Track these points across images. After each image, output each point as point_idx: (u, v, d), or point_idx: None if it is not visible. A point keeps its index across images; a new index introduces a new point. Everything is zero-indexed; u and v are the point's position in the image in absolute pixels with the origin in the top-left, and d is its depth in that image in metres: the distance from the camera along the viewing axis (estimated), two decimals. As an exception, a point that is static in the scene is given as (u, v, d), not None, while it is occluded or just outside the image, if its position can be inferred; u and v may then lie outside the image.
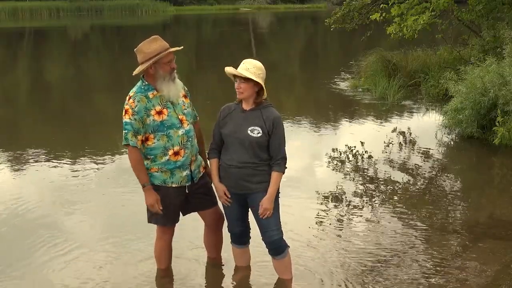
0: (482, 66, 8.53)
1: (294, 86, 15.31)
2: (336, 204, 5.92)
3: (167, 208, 4.03)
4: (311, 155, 7.87)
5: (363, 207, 5.79)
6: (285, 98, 12.83)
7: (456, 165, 7.69)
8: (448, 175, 7.11)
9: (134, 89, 3.96)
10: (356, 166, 7.27)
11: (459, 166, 7.65)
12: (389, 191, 6.34)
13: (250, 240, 4.31)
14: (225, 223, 4.27)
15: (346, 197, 6.11)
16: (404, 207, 5.81)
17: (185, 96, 4.14)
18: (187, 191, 4.11)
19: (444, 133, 8.55)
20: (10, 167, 7.40)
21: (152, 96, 3.93)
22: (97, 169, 7.18)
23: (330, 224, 5.39)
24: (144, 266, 4.54)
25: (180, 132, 3.98)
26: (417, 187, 6.49)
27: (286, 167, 3.97)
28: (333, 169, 7.17)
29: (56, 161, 7.55)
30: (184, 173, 4.04)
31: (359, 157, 7.65)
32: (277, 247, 4.05)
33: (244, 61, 3.93)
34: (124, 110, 3.90)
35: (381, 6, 12.03)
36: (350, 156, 7.73)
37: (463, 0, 12.61)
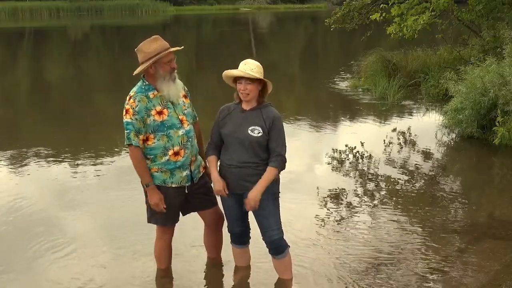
0: (482, 66, 8.53)
1: (294, 86, 15.30)
2: (336, 204, 5.92)
3: (167, 208, 4.03)
4: (311, 155, 7.87)
5: (363, 207, 5.79)
6: (285, 98, 12.83)
7: (456, 165, 7.69)
8: (448, 175, 7.11)
9: (135, 89, 3.96)
10: (356, 166, 7.27)
11: (459, 166, 7.66)
12: (389, 191, 6.34)
13: (250, 240, 4.31)
14: (225, 223, 4.27)
15: (346, 197, 6.11)
16: (404, 207, 5.81)
17: (185, 96, 4.14)
18: (186, 191, 4.11)
19: (444, 133, 8.55)
20: (10, 167, 7.40)
21: (152, 96, 3.93)
22: (97, 169, 7.18)
23: (330, 223, 5.39)
24: (144, 266, 4.53)
25: (180, 132, 3.98)
26: (417, 187, 6.49)
27: (284, 167, 3.93)
28: (333, 169, 7.17)
29: (56, 161, 7.56)
30: (184, 173, 4.04)
31: (359, 157, 7.65)
32: (277, 246, 4.05)
33: (244, 62, 3.90)
34: (124, 110, 3.90)
35: (381, 6, 12.04)
36: (350, 156, 7.73)
37: (463, 0, 12.61)
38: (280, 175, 4.08)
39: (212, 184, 4.11)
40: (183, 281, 4.35)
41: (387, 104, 11.02)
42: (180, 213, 4.23)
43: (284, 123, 4.07)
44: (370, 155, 7.71)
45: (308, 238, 5.01)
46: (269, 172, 3.86)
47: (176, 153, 3.96)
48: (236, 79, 3.90)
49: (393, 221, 5.42)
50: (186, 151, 4.00)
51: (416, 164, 7.28)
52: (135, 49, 3.95)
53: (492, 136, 7.57)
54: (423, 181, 6.70)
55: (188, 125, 4.05)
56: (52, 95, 14.44)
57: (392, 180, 6.66)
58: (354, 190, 6.30)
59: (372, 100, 11.51)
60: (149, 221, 4.17)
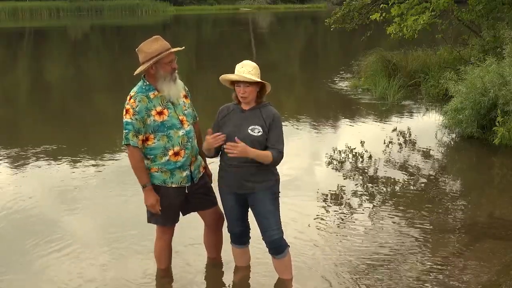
0: (482, 66, 8.52)
1: (294, 86, 15.31)
2: (336, 203, 5.92)
3: (166, 208, 4.03)
4: (311, 155, 7.87)
5: (363, 207, 5.79)
6: (285, 98, 12.83)
7: (456, 165, 7.69)
8: (448, 175, 7.11)
9: (135, 89, 3.96)
10: (356, 166, 7.27)
11: (459, 166, 7.66)
12: (389, 191, 6.34)
13: (250, 240, 4.31)
14: (225, 223, 4.27)
15: (346, 197, 6.11)
16: (404, 207, 5.81)
17: (185, 97, 4.14)
18: (186, 191, 4.11)
19: (444, 133, 8.55)
20: (10, 167, 7.40)
21: (153, 96, 3.92)
22: (97, 169, 7.18)
23: (330, 223, 5.39)
24: (144, 266, 4.53)
25: (181, 132, 3.98)
26: (417, 187, 6.49)
27: (278, 162, 3.88)
28: (333, 169, 7.17)
29: (56, 161, 7.56)
30: (184, 174, 4.04)
31: (359, 157, 7.65)
32: (277, 246, 4.05)
33: (241, 64, 3.89)
34: (124, 110, 3.90)
35: (381, 6, 12.04)
36: (350, 156, 7.73)
37: (463, 0, 12.61)
38: (280, 175, 4.09)
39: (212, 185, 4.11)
40: (183, 281, 4.35)
41: (387, 104, 11.02)
42: (180, 213, 4.23)
43: (284, 123, 4.08)
44: (370, 155, 7.71)
45: (308, 238, 5.01)
46: (265, 152, 3.80)
47: (176, 154, 3.96)
48: (234, 81, 3.90)
49: (393, 221, 5.42)
50: (186, 151, 4.00)
51: (416, 164, 7.28)
52: (136, 49, 3.95)
53: (492, 136, 7.57)
54: (423, 181, 6.70)
55: (188, 125, 4.05)
56: (52, 95, 14.45)
57: (392, 180, 6.66)
58: (354, 190, 6.30)
59: (372, 100, 11.51)
60: (149, 221, 4.17)
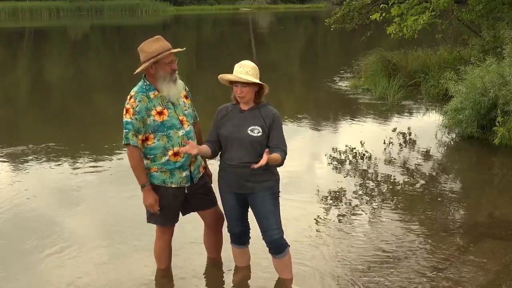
0: (482, 66, 8.52)
1: (294, 86, 15.31)
2: (337, 203, 5.92)
3: (166, 208, 4.03)
4: (311, 155, 7.87)
5: (363, 207, 5.79)
6: (285, 98, 12.84)
7: (456, 165, 7.69)
8: (448, 175, 7.10)
9: (136, 88, 3.96)
10: (356, 166, 7.27)
11: (459, 166, 7.66)
12: (389, 191, 6.34)
13: (250, 240, 4.31)
14: (225, 223, 4.27)
15: (346, 197, 6.11)
16: (404, 207, 5.81)
17: (186, 97, 4.14)
18: (186, 192, 4.10)
19: (444, 133, 8.55)
20: (10, 167, 7.40)
21: (153, 96, 3.92)
22: (97, 169, 7.18)
23: (330, 223, 5.39)
24: (144, 266, 4.53)
25: (180, 133, 3.98)
26: (417, 187, 6.49)
27: (283, 163, 3.90)
28: (333, 169, 7.17)
29: (56, 161, 7.56)
30: (184, 174, 4.04)
31: (359, 157, 7.65)
32: (277, 246, 4.05)
33: (239, 64, 3.89)
34: (125, 109, 3.90)
35: (381, 6, 12.04)
36: (350, 156, 7.73)
37: (463, 0, 12.61)
38: (280, 175, 4.09)
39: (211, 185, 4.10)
40: (183, 281, 4.35)
41: (387, 104, 11.03)
42: (180, 213, 4.23)
43: (284, 123, 4.07)
44: (370, 155, 7.71)
45: (308, 238, 5.02)
46: (277, 156, 3.79)
47: (176, 154, 3.96)
48: (232, 81, 3.90)
49: (393, 220, 5.42)
50: (186, 151, 3.99)
51: (416, 164, 7.28)
52: (138, 48, 3.95)
53: (492, 136, 7.57)
54: (423, 181, 6.69)
55: (188, 125, 4.05)
56: (52, 95, 14.45)
57: (392, 180, 6.66)
58: (354, 190, 6.30)
59: (372, 100, 11.51)
60: (148, 220, 4.17)
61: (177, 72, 3.98)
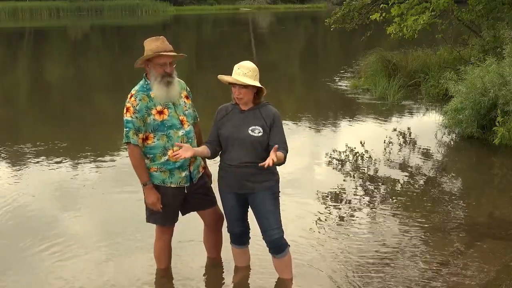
0: (482, 66, 8.53)
1: (294, 86, 15.31)
2: (337, 203, 5.92)
3: (166, 208, 4.03)
4: (311, 155, 7.87)
5: (363, 207, 5.79)
6: (285, 98, 12.84)
7: (456, 165, 7.69)
8: (448, 175, 7.10)
9: (136, 87, 3.97)
10: (356, 166, 7.27)
11: (459, 166, 7.65)
12: (389, 191, 6.34)
13: (250, 240, 4.31)
14: (225, 223, 4.27)
15: (346, 197, 6.11)
16: (404, 207, 5.81)
17: (186, 97, 4.14)
18: (186, 192, 4.10)
19: (444, 133, 8.55)
20: (10, 167, 7.40)
21: (153, 95, 3.92)
22: (97, 169, 7.18)
23: (330, 223, 5.39)
24: (143, 266, 4.53)
25: (180, 133, 3.98)
26: (417, 187, 6.49)
27: (285, 161, 3.90)
28: (333, 169, 7.17)
29: (56, 161, 7.56)
30: (183, 174, 4.04)
31: (359, 157, 7.65)
32: (277, 246, 4.05)
33: (238, 65, 3.88)
34: (125, 108, 3.90)
35: (381, 6, 12.04)
36: (350, 156, 7.73)
37: (463, 0, 12.61)
38: (280, 175, 4.09)
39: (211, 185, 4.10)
40: (183, 281, 4.35)
41: (387, 104, 11.03)
42: (180, 212, 4.23)
43: (284, 123, 4.07)
44: (370, 155, 7.71)
45: (309, 237, 5.02)
46: (281, 155, 3.79)
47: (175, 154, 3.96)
48: (231, 82, 3.90)
49: (393, 220, 5.42)
50: (185, 151, 3.99)
51: (416, 164, 7.28)
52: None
53: (492, 136, 7.57)
54: (423, 181, 6.70)
55: (188, 125, 4.05)
56: (52, 95, 14.45)
57: (392, 180, 6.66)
58: (354, 190, 6.31)
59: (372, 100, 11.51)
60: (147, 220, 4.18)
61: (173, 76, 3.95)
